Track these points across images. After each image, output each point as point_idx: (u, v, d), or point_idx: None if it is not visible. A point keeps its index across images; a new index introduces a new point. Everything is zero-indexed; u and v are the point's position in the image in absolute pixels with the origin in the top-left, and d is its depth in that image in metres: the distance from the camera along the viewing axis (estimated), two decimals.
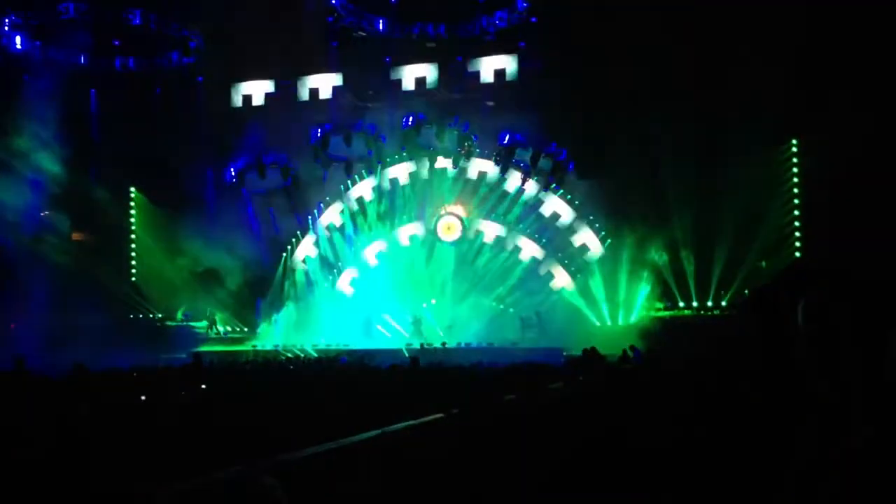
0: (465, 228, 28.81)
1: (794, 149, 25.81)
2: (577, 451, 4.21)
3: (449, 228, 29.04)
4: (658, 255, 25.65)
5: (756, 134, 22.80)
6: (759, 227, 24.15)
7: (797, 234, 25.40)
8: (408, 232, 29.86)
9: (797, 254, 25.13)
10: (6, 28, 27.45)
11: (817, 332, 2.85)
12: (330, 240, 30.49)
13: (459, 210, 29.16)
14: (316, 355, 23.93)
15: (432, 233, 29.17)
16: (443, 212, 29.13)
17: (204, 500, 2.69)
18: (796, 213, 25.55)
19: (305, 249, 30.73)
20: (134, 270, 30.70)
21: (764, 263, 23.47)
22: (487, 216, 29.09)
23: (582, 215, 28.10)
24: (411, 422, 5.24)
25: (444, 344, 24.96)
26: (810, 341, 2.91)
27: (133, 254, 30.78)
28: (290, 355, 23.58)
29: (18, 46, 27.62)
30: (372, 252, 30.08)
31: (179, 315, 29.64)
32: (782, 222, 25.34)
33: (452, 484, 3.82)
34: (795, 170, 25.76)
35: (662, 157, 24.26)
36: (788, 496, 2.82)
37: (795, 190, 25.72)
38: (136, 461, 5.19)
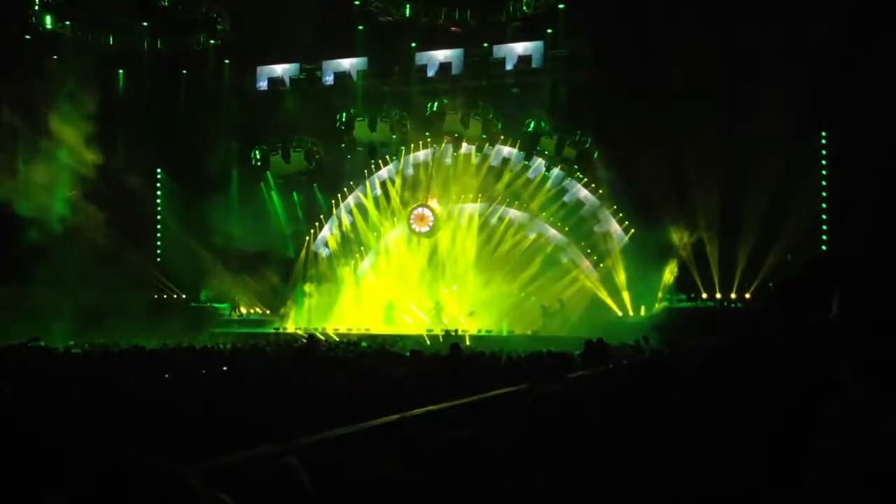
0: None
1: (823, 140, 25.46)
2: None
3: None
4: (682, 246, 25.50)
5: (783, 125, 22.51)
6: (784, 220, 23.86)
7: (824, 227, 25.09)
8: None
9: (823, 247, 24.83)
10: (36, 7, 27.66)
11: (850, 323, 2.81)
12: (353, 224, 30.62)
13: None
14: (337, 339, 24.11)
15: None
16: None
17: (228, 480, 2.71)
18: (823, 205, 25.22)
19: (328, 233, 30.87)
20: (159, 251, 30.95)
21: (790, 256, 23.18)
22: (510, 203, 29.04)
23: (606, 204, 27.96)
24: (431, 407, 5.25)
25: (456, 331, 25.00)
26: (841, 333, 2.88)
27: (158, 234, 31.03)
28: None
29: (48, 26, 27.83)
30: (394, 237, 30.19)
31: (203, 296, 29.87)
32: (808, 215, 25.00)
33: (473, 471, 3.82)
34: (824, 161, 25.41)
35: (688, 147, 24.05)
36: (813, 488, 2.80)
37: (823, 182, 25.38)
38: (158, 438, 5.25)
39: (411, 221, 29.51)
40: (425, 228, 29.42)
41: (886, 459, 2.65)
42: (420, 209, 29.55)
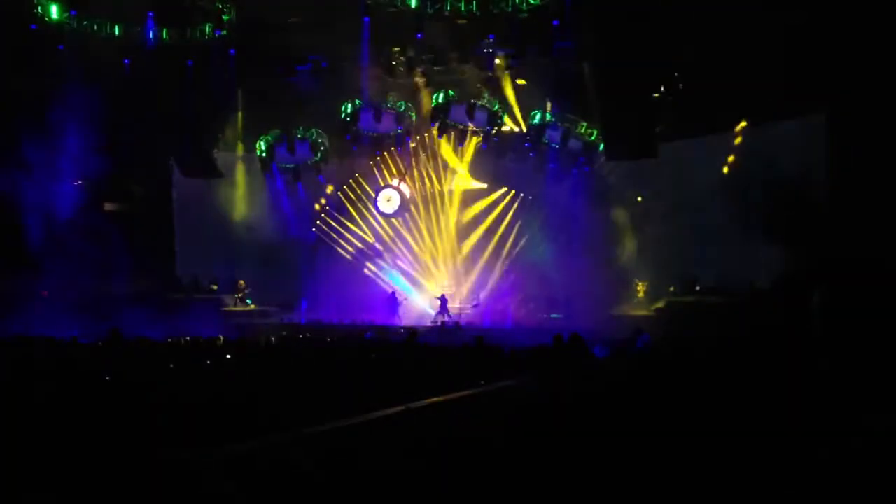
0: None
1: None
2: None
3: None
4: (686, 238, 25.48)
5: (785, 110, 22.35)
6: (786, 212, 23.74)
7: (826, 218, 24.89)
8: None
9: (826, 239, 24.67)
10: None
11: (826, 322, 2.87)
12: (359, 214, 30.72)
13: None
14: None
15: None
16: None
17: (238, 468, 2.77)
18: (825, 195, 25.00)
19: (333, 224, 30.95)
20: (165, 240, 30.92)
21: (791, 249, 23.11)
22: (517, 193, 29.12)
23: (611, 196, 27.95)
24: (435, 399, 5.30)
25: (457, 323, 25.10)
26: (821, 329, 2.93)
27: (165, 224, 31.01)
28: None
29: (54, 16, 27.83)
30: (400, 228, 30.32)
31: (214, 287, 29.94)
32: (813, 207, 24.83)
33: (475, 462, 3.88)
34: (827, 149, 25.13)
35: (692, 138, 24.05)
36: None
37: (826, 172, 25.16)
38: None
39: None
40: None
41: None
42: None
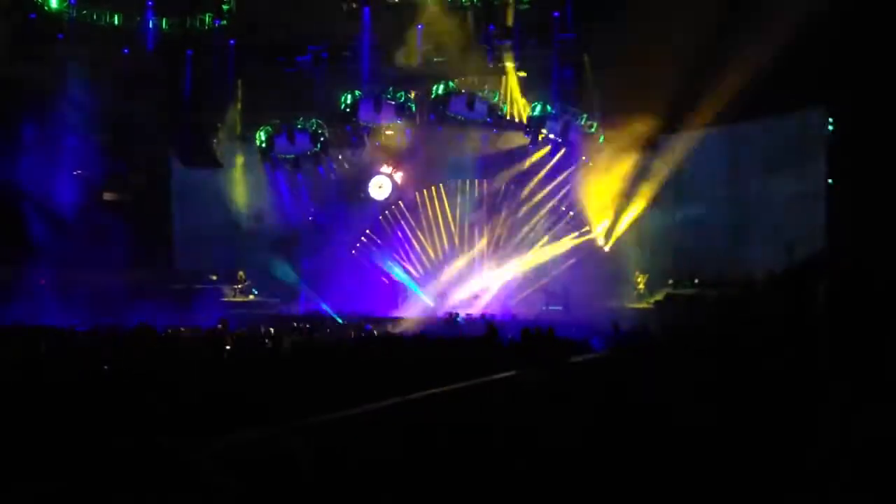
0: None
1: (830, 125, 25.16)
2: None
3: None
4: (686, 231, 25.48)
5: (784, 107, 22.30)
6: (788, 205, 23.75)
7: (825, 212, 24.87)
8: None
9: (824, 234, 24.66)
10: None
11: (834, 314, 2.87)
12: (359, 206, 30.70)
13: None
14: (341, 322, 24.29)
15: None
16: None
17: (235, 459, 2.78)
18: (824, 189, 24.97)
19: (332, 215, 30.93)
20: (168, 232, 30.91)
21: (792, 243, 23.13)
22: (517, 184, 29.11)
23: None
24: (434, 390, 5.31)
25: (458, 315, 25.11)
26: (827, 322, 2.93)
27: (165, 214, 30.99)
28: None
29: (54, 6, 27.80)
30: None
31: (213, 277, 29.93)
32: (812, 200, 24.80)
33: (476, 453, 3.89)
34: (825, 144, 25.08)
35: (693, 132, 23.97)
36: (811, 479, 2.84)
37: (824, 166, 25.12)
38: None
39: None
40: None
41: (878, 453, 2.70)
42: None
